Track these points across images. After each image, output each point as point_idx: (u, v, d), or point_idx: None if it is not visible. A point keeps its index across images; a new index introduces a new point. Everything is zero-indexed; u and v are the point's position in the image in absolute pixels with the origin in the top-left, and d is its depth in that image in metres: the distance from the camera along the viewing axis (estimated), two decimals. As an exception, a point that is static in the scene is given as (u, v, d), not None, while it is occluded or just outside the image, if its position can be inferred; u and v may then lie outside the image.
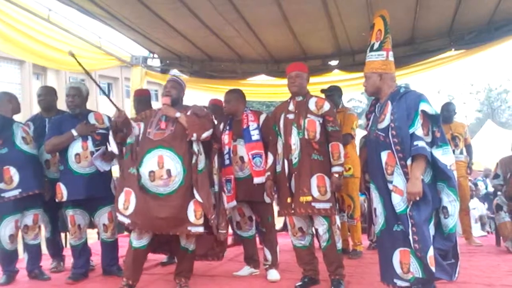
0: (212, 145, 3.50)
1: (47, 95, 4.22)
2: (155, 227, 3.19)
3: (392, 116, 2.70)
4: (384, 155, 2.72)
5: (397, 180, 2.66)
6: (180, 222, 3.18)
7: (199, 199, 3.22)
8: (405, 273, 2.65)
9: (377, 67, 2.84)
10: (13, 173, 3.71)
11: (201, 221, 3.22)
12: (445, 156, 2.63)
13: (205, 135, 3.33)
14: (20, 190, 3.71)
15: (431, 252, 2.56)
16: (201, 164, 3.36)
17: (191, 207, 3.21)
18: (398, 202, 2.65)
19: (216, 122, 3.72)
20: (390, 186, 2.69)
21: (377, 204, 2.82)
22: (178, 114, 3.31)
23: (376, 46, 2.88)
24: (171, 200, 3.18)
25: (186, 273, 3.46)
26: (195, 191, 3.24)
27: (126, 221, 3.19)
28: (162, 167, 3.19)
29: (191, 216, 3.20)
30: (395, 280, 2.70)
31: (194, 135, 3.27)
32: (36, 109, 4.39)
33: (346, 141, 4.45)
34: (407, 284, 2.67)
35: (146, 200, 3.16)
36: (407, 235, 2.60)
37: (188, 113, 3.38)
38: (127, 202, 3.19)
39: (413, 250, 2.59)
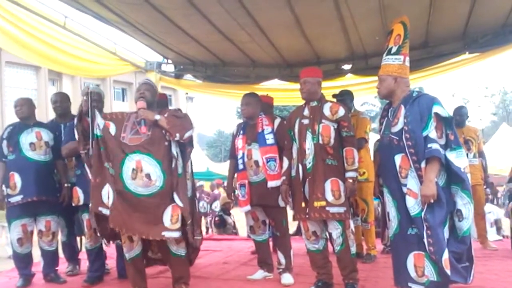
0: (186, 149, 3.44)
1: (63, 102, 4.29)
2: (128, 229, 3.13)
3: (405, 119, 2.70)
4: (398, 159, 2.72)
5: (411, 183, 2.66)
6: (155, 227, 3.13)
7: (180, 203, 3.18)
8: (420, 276, 2.64)
9: (393, 70, 2.85)
10: (17, 180, 3.79)
11: (177, 225, 3.16)
12: (459, 159, 2.63)
13: (187, 134, 3.29)
14: (22, 196, 3.78)
15: (446, 255, 2.55)
16: (180, 168, 3.32)
17: (168, 211, 3.16)
18: (413, 205, 2.64)
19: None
20: (404, 189, 2.69)
21: (391, 208, 2.82)
22: (157, 117, 3.26)
23: (394, 50, 2.89)
24: (146, 202, 3.13)
25: (185, 279, 3.42)
26: (175, 196, 3.20)
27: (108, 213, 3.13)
28: (141, 171, 3.14)
29: (167, 221, 3.14)
30: (409, 284, 2.69)
31: (177, 135, 3.23)
32: (52, 115, 4.45)
33: (360, 145, 4.43)
34: (422, 287, 2.65)
35: (122, 200, 3.11)
36: (422, 238, 2.59)
37: (166, 114, 3.33)
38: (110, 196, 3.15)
39: (428, 253, 2.58)
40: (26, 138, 3.88)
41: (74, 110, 4.38)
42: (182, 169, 3.37)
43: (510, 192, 5.47)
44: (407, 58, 2.89)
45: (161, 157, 3.20)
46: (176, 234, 3.17)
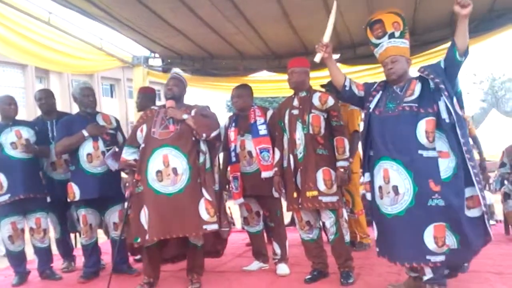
0: (215, 144, 3.51)
1: (48, 98, 4.26)
2: (172, 232, 3.18)
3: (430, 74, 2.75)
4: (422, 124, 2.70)
5: (440, 144, 2.67)
6: (195, 222, 3.19)
7: (209, 198, 3.24)
8: (440, 246, 2.60)
9: (405, 52, 2.89)
10: (3, 179, 3.78)
11: (215, 218, 3.24)
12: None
13: (214, 134, 3.36)
14: (9, 195, 3.77)
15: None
16: (208, 163, 3.39)
17: (202, 205, 3.22)
18: (445, 168, 2.63)
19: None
20: (431, 154, 2.66)
21: (402, 180, 2.70)
22: (185, 116, 3.32)
23: (397, 34, 2.91)
24: (180, 200, 3.19)
25: (198, 269, 3.49)
26: (203, 190, 3.26)
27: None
28: (168, 166, 3.21)
29: (205, 215, 3.21)
30: (428, 257, 2.63)
31: (204, 135, 3.29)
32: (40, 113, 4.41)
33: (355, 139, 4.44)
34: (442, 258, 2.61)
35: (156, 207, 3.18)
36: (444, 208, 2.58)
37: (193, 113, 3.39)
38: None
39: (449, 224, 2.59)
40: (7, 138, 3.85)
41: (61, 107, 4.36)
42: (211, 163, 3.43)
43: (502, 177, 5.52)
44: (409, 42, 2.96)
45: (188, 151, 3.27)
46: (216, 226, 3.26)
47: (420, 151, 2.68)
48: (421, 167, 2.67)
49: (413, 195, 2.68)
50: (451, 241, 2.62)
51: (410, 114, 2.75)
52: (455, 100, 2.72)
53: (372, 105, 2.95)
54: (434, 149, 2.68)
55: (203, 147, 3.35)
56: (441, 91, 2.70)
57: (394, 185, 2.74)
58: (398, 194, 2.72)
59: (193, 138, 3.31)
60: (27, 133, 3.93)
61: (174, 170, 3.20)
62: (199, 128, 3.29)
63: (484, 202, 2.62)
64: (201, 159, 3.32)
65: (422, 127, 2.70)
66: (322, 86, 4.70)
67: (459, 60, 2.71)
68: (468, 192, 2.64)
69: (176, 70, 6.22)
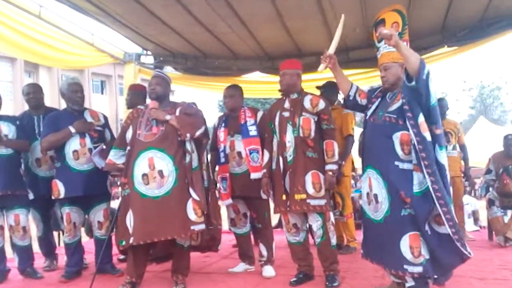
0: (202, 141, 3.46)
1: (36, 93, 4.18)
2: (159, 235, 3.16)
3: (402, 92, 2.70)
4: (398, 136, 2.70)
5: (415, 157, 2.64)
6: (183, 224, 3.17)
7: (196, 198, 3.22)
8: (417, 257, 2.60)
9: (398, 57, 2.77)
10: None
11: (203, 218, 3.23)
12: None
13: (199, 133, 3.31)
14: None
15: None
16: (195, 162, 3.35)
17: (189, 206, 3.20)
18: (420, 182, 2.62)
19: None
20: (406, 166, 2.66)
21: (380, 189, 2.74)
22: (168, 117, 3.27)
23: None
24: (167, 202, 3.16)
25: (183, 270, 3.45)
26: (191, 190, 3.23)
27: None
28: (154, 169, 3.18)
29: (192, 215, 3.18)
30: (405, 267, 2.64)
31: (188, 135, 3.25)
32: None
33: (349, 143, 4.46)
34: (419, 269, 2.61)
35: (141, 210, 3.15)
36: (416, 218, 2.57)
37: (177, 111, 3.34)
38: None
39: (422, 233, 2.57)
40: None
41: (50, 102, 4.30)
42: (198, 162, 3.39)
43: (487, 184, 5.58)
44: (408, 45, 2.85)
45: (173, 152, 3.24)
46: (203, 226, 3.25)
47: (396, 162, 2.68)
48: (395, 178, 2.67)
49: (389, 205, 2.70)
50: (426, 251, 2.61)
51: (389, 125, 2.75)
52: (420, 119, 2.63)
53: (369, 112, 2.95)
54: (410, 161, 2.68)
55: (189, 146, 3.30)
56: (405, 112, 2.67)
57: (374, 193, 2.81)
58: (378, 203, 2.78)
59: (179, 139, 3.27)
60: (7, 129, 3.83)
61: (160, 173, 3.18)
62: (182, 128, 3.25)
63: (450, 223, 2.56)
64: (187, 158, 3.28)
65: (398, 139, 2.71)
66: (318, 87, 4.71)
67: (409, 85, 2.63)
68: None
69: (168, 69, 6.20)
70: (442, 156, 2.65)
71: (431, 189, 2.56)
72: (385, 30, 2.66)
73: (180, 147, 3.27)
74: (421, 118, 2.63)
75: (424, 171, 2.58)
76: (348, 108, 3.37)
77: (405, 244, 2.63)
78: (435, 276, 2.69)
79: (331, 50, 2.96)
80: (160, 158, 3.20)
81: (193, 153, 3.35)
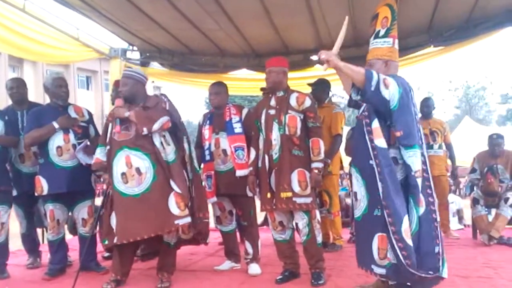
0: (177, 133, 3.41)
1: (20, 88, 4.09)
2: (142, 233, 3.13)
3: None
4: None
5: None
6: (166, 219, 3.14)
7: (178, 190, 3.19)
8: (382, 259, 2.63)
9: (382, 54, 2.77)
10: None
11: (187, 211, 3.20)
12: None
13: (157, 126, 3.23)
14: None
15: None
16: (171, 155, 3.31)
17: (171, 200, 3.17)
18: None
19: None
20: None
21: (360, 187, 2.77)
22: (126, 114, 3.24)
23: (382, 33, 2.83)
24: (148, 199, 3.14)
25: (169, 267, 3.43)
26: (172, 183, 3.20)
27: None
28: (131, 167, 3.17)
29: (175, 209, 3.16)
30: (372, 266, 2.69)
31: (144, 129, 3.20)
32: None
33: (337, 142, 4.47)
34: (382, 271, 2.64)
35: (123, 210, 3.15)
36: (385, 220, 2.56)
37: (138, 107, 3.30)
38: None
39: (389, 235, 2.55)
40: None
41: (34, 97, 4.22)
42: (176, 154, 3.34)
43: (471, 183, 5.63)
44: (396, 41, 2.83)
45: (148, 149, 3.21)
46: (188, 219, 3.22)
47: (370, 161, 2.68)
48: (371, 176, 2.67)
49: (367, 203, 2.72)
50: (392, 254, 2.58)
51: (364, 124, 2.76)
52: (374, 124, 2.65)
53: (360, 110, 2.95)
54: None
55: (156, 142, 3.25)
56: (364, 117, 2.71)
57: (354, 191, 2.85)
58: (357, 200, 2.81)
59: (150, 135, 3.23)
60: None
61: (138, 170, 3.16)
62: (139, 123, 3.20)
63: (403, 253, 2.49)
64: (164, 153, 3.25)
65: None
66: (309, 84, 4.71)
67: (354, 99, 2.69)
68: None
69: (155, 64, 6.14)
70: (408, 156, 2.64)
71: (384, 212, 2.55)
72: (322, 55, 2.66)
73: (154, 143, 3.24)
74: (375, 124, 2.66)
75: (377, 177, 2.59)
76: (351, 107, 3.36)
77: (375, 243, 2.66)
78: (408, 284, 2.67)
79: (335, 50, 2.94)
80: (136, 156, 3.19)
81: (168, 146, 3.31)
